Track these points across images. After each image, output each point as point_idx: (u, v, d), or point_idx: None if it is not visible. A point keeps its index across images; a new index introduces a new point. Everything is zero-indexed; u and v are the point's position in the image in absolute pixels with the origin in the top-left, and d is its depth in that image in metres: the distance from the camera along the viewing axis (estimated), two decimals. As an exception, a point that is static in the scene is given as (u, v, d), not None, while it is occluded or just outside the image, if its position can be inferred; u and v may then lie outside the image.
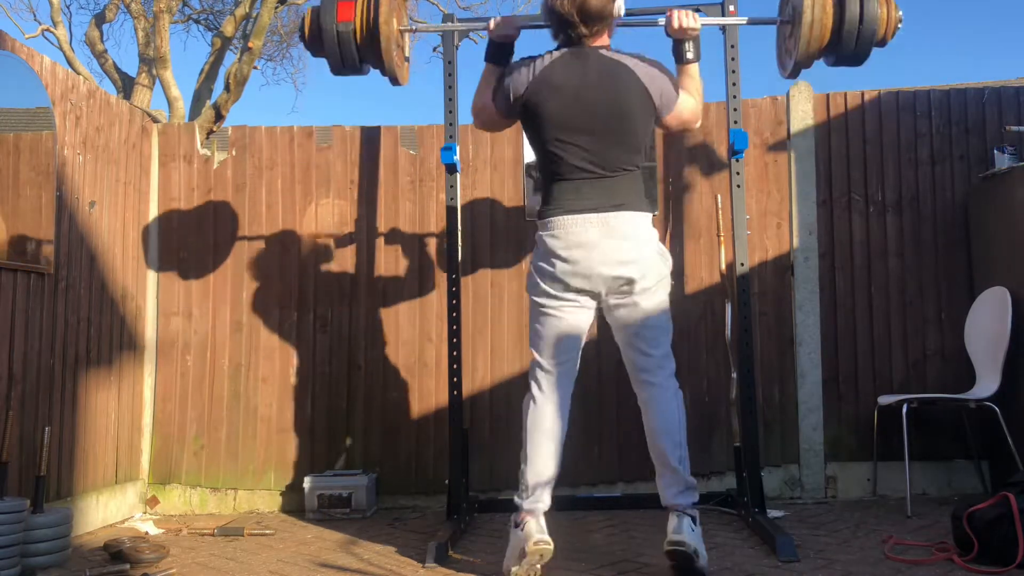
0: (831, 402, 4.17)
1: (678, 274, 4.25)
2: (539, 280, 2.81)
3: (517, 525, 2.74)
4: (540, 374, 2.84)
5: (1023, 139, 4.08)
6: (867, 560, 2.93)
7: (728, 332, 4.00)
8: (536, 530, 2.69)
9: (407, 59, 3.38)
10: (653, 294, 2.79)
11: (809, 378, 4.19)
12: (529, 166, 4.26)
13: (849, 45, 2.95)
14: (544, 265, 2.78)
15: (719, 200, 4.18)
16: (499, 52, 2.96)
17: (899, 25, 2.96)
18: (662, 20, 2.93)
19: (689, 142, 4.32)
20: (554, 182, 2.81)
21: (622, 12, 2.82)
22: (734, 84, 3.69)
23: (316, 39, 3.11)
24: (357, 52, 3.10)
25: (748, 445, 3.59)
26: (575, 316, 2.80)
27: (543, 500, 2.77)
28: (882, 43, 2.98)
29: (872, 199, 4.26)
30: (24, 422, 3.39)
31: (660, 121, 2.86)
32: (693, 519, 2.71)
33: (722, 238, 4.12)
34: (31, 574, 3.03)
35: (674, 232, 4.29)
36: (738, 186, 3.68)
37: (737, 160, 3.68)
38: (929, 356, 4.17)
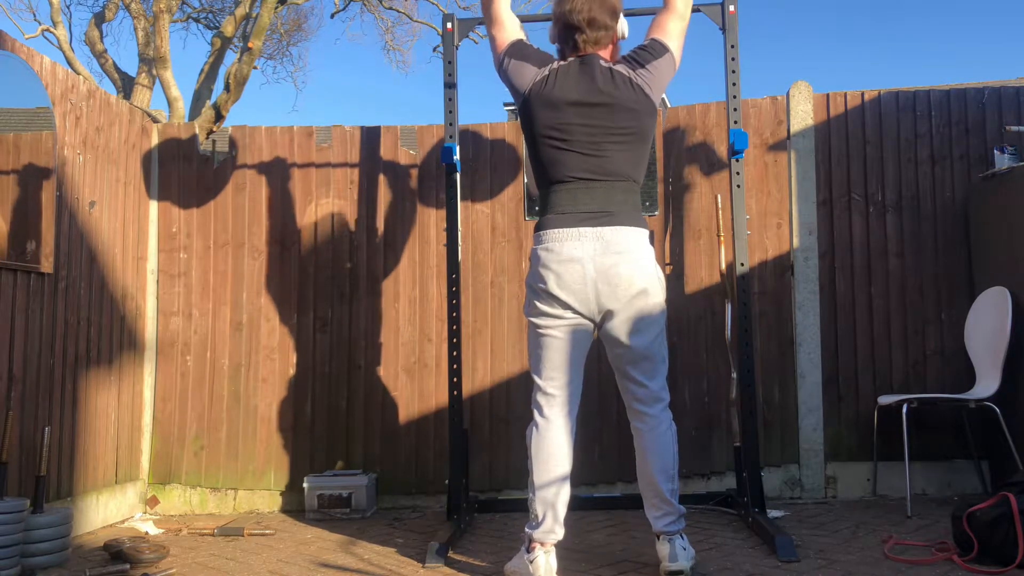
0: (831, 402, 4.17)
1: (678, 274, 4.26)
2: (533, 299, 2.77)
3: (528, 550, 2.72)
4: (542, 398, 2.78)
5: (1023, 139, 4.08)
6: (867, 560, 2.93)
7: (728, 332, 4.01)
8: (545, 570, 2.66)
9: None
10: (650, 321, 2.73)
11: (809, 378, 4.19)
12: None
13: None
14: (537, 281, 2.74)
15: (719, 200, 4.18)
16: None
17: None
18: None
19: (689, 142, 4.32)
20: (550, 187, 2.78)
21: (626, 33, 2.90)
22: (734, 84, 3.69)
23: None
24: None
25: (748, 445, 3.60)
26: (573, 335, 2.74)
27: (555, 530, 2.73)
28: None
29: (872, 199, 4.26)
30: (24, 422, 3.39)
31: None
32: (682, 535, 2.79)
33: (722, 238, 4.12)
34: (31, 574, 3.03)
35: (674, 232, 4.30)
36: (738, 186, 3.68)
37: (737, 160, 3.68)
38: (929, 356, 4.17)
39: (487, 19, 2.97)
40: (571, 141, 2.75)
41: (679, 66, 2.89)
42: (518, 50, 2.87)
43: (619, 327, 2.72)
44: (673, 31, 2.86)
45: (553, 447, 2.74)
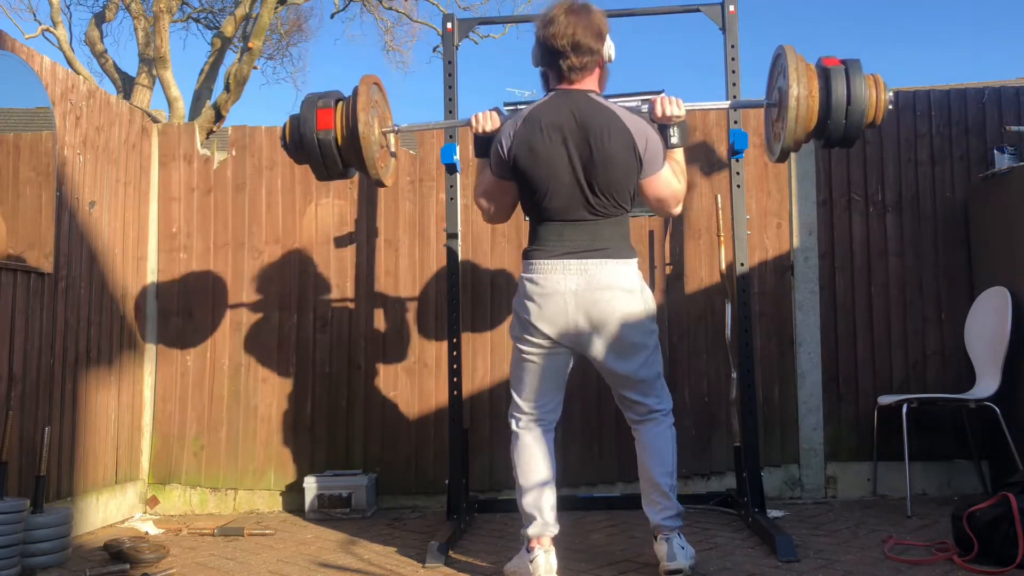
0: (831, 402, 4.17)
1: (678, 274, 4.26)
2: (517, 323, 2.79)
3: (528, 550, 2.73)
4: (517, 412, 2.83)
5: (1023, 139, 4.08)
6: (867, 560, 2.93)
7: (728, 332, 4.01)
8: (545, 569, 2.68)
9: (393, 155, 3.30)
10: (637, 348, 2.74)
11: (809, 378, 4.19)
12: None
13: (837, 130, 2.82)
14: (521, 310, 2.76)
15: (719, 200, 4.18)
16: (487, 145, 2.88)
17: (888, 106, 2.81)
18: (645, 108, 2.88)
19: (689, 142, 4.31)
20: (539, 223, 2.77)
21: (612, 55, 2.79)
22: (734, 84, 3.69)
23: (298, 146, 3.03)
24: (340, 158, 3.03)
25: (748, 445, 3.59)
26: (555, 362, 2.77)
27: (549, 527, 2.75)
28: (872, 125, 2.85)
29: (872, 199, 4.26)
30: (24, 422, 3.39)
31: (638, 181, 2.74)
32: (680, 534, 2.81)
33: (722, 238, 4.12)
34: (31, 574, 3.03)
35: (674, 232, 4.30)
36: (738, 186, 3.68)
37: (737, 160, 3.68)
38: (929, 356, 4.17)
39: (490, 198, 2.88)
40: (556, 185, 2.68)
41: (646, 175, 2.73)
42: (494, 150, 2.78)
43: (606, 357, 2.74)
44: (671, 170, 2.77)
45: (532, 454, 2.79)
